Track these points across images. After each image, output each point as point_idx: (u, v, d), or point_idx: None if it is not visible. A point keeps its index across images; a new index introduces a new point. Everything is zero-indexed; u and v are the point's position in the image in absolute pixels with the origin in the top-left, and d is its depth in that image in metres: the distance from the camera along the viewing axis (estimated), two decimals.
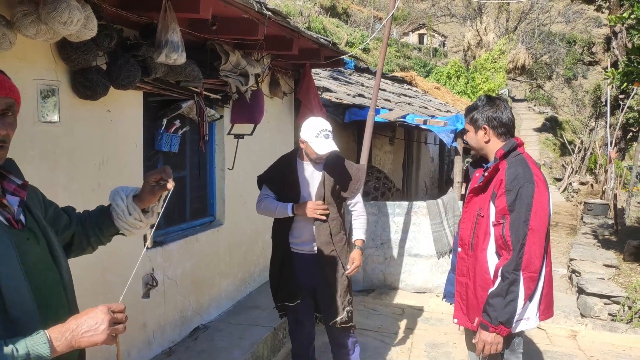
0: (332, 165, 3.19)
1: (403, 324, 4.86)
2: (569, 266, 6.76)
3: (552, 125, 27.55)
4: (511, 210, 2.26)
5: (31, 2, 2.18)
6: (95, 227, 1.64)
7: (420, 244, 5.76)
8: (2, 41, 2.12)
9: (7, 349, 1.12)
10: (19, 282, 1.25)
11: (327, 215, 3.10)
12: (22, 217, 1.37)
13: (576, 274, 6.02)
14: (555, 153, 24.34)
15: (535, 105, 31.30)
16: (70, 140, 2.68)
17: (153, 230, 1.66)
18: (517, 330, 2.37)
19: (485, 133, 2.45)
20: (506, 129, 2.43)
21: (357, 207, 3.32)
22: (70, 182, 2.70)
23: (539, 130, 26.74)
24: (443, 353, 4.22)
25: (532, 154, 20.09)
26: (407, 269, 5.79)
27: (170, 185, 1.59)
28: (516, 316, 2.28)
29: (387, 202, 5.89)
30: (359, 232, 3.30)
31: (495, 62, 20.47)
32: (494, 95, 2.64)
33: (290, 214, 3.14)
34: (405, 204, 5.86)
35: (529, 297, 2.28)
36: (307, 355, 3.50)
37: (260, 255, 4.98)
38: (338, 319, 3.17)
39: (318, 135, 3.00)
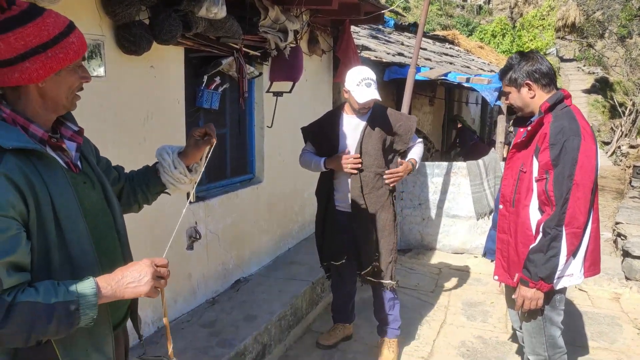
0: (378, 117, 3.08)
1: (440, 283, 4.88)
2: (614, 230, 6.57)
3: (602, 87, 26.20)
4: (555, 164, 2.20)
5: None
6: (142, 183, 1.72)
7: (459, 205, 5.69)
8: None
9: (60, 290, 1.20)
10: (78, 223, 1.32)
11: (360, 170, 3.01)
12: (78, 163, 1.44)
13: (622, 237, 5.85)
14: (605, 116, 23.24)
15: (584, 66, 29.72)
16: (116, 95, 2.75)
17: (195, 185, 1.76)
18: (560, 286, 2.33)
19: (529, 89, 2.36)
20: (549, 78, 2.35)
21: (416, 146, 3.25)
22: (118, 136, 2.78)
23: (588, 91, 25.50)
24: (480, 311, 4.22)
25: None
26: (445, 229, 5.76)
27: (214, 140, 1.68)
28: (558, 272, 2.24)
29: (426, 163, 5.81)
30: (413, 155, 3.23)
31: (544, 19, 19.47)
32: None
33: (324, 169, 3.12)
34: (444, 164, 5.77)
35: (572, 253, 2.24)
36: (346, 311, 3.58)
37: (298, 213, 5.05)
38: (385, 282, 3.17)
39: (359, 84, 2.95)
